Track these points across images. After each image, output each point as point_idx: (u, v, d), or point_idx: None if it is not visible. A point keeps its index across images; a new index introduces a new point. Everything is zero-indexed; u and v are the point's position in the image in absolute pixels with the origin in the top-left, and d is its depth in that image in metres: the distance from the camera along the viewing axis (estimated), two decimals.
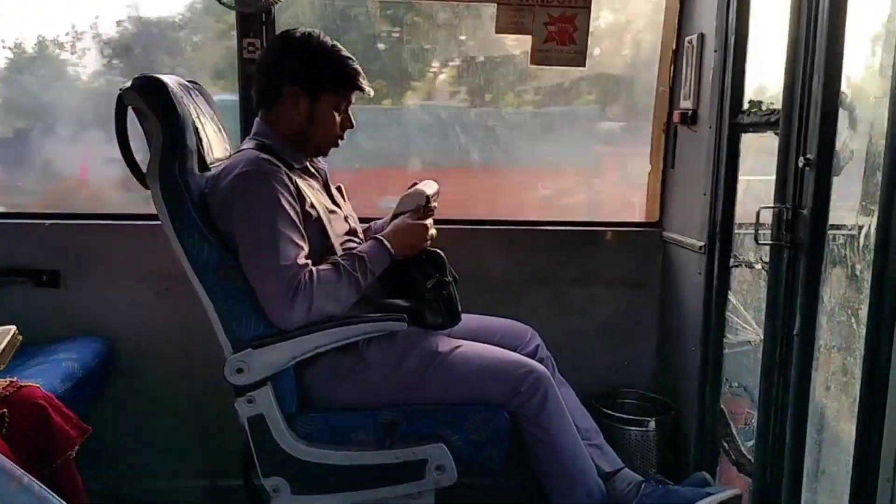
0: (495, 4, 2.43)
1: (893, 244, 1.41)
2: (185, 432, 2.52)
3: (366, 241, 1.99)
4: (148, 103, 1.74)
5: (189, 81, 1.96)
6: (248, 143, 1.90)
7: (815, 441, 1.90)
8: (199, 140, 1.84)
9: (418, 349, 1.87)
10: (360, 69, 1.91)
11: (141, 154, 1.87)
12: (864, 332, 1.52)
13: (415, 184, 2.06)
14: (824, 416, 1.90)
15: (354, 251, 1.86)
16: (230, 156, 1.97)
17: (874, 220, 1.51)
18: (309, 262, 1.75)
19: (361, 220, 2.15)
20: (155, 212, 1.75)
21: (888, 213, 1.42)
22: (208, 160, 1.88)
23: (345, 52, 1.90)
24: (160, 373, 2.52)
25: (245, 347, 1.73)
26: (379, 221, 2.22)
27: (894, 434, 1.41)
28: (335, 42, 1.90)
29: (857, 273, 1.71)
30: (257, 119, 1.94)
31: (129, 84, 1.75)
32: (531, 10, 2.42)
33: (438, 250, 1.98)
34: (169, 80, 1.79)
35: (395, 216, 2.02)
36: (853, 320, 1.72)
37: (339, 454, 1.80)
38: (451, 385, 1.85)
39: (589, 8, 2.44)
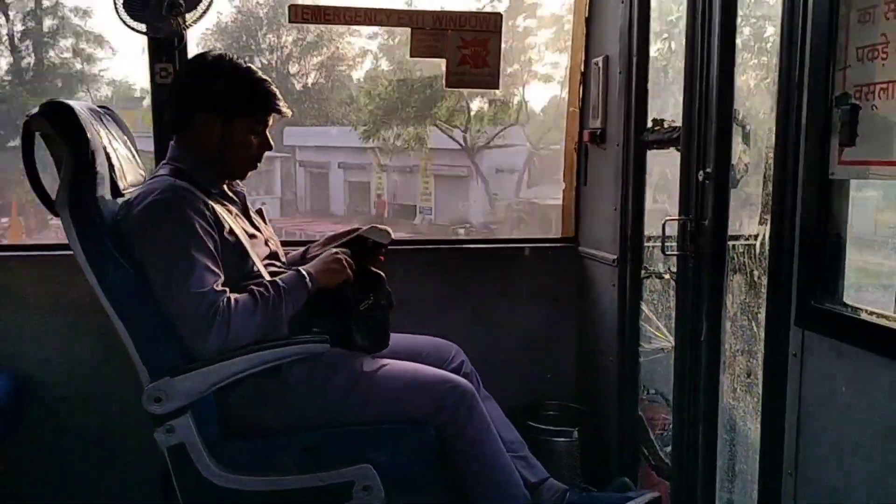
0: (409, 29, 2.48)
1: (786, 250, 1.50)
2: (103, 465, 2.44)
3: (303, 261, 2.01)
4: (56, 129, 1.70)
5: (100, 107, 1.93)
6: (163, 169, 1.87)
7: (727, 441, 2.00)
8: (111, 165, 1.80)
9: (342, 370, 1.87)
10: (275, 91, 1.88)
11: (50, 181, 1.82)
12: (763, 334, 1.61)
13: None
14: (733, 418, 2.00)
15: (276, 280, 1.83)
16: (144, 181, 1.94)
17: (768, 229, 1.61)
18: (226, 289, 1.73)
19: (283, 244, 2.14)
20: (64, 241, 1.71)
21: (779, 221, 1.52)
22: (121, 186, 1.84)
23: (259, 74, 1.87)
24: (76, 406, 2.43)
25: (163, 375, 1.69)
26: (317, 244, 2.21)
27: (793, 429, 1.50)
28: (250, 64, 1.89)
29: (756, 279, 1.82)
30: (172, 143, 1.91)
31: (36, 110, 1.71)
32: (444, 34, 2.48)
33: (380, 272, 2.00)
34: (77, 105, 1.75)
35: (348, 238, 2.05)
36: (753, 324, 1.82)
37: (263, 480, 1.77)
38: (376, 404, 1.85)
39: (500, 32, 2.52)
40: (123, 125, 2.03)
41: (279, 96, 1.90)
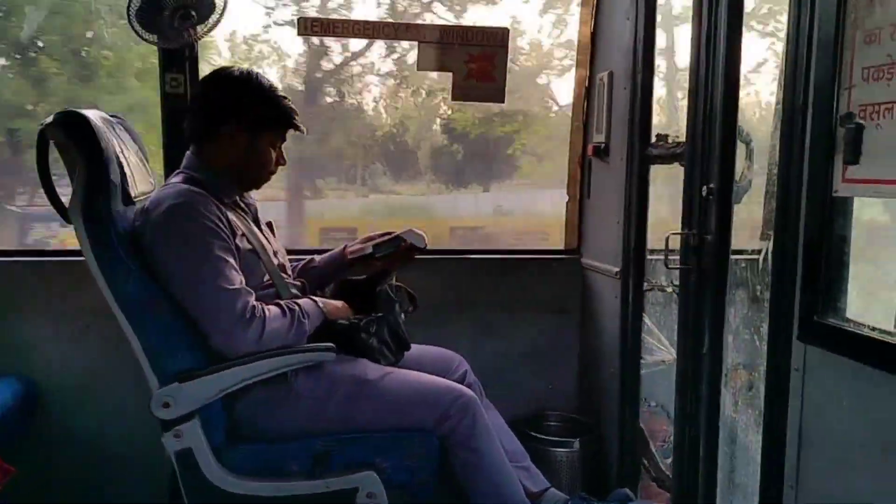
0: (417, 43, 2.51)
1: (788, 265, 1.53)
2: (112, 469, 2.45)
3: (307, 270, 2.10)
4: (71, 138, 1.72)
5: (112, 116, 1.95)
6: (177, 178, 1.90)
7: (727, 453, 2.01)
8: (123, 174, 1.82)
9: (348, 377, 1.89)
10: (295, 109, 1.96)
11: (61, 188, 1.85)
12: (765, 349, 1.63)
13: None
14: (734, 430, 2.01)
15: (297, 302, 1.87)
16: (155, 189, 1.96)
17: (771, 244, 1.64)
18: (252, 291, 1.77)
19: (290, 253, 2.17)
20: (75, 247, 1.73)
21: (782, 237, 1.54)
22: (132, 194, 1.86)
23: (281, 92, 1.95)
24: (85, 410, 2.46)
25: (172, 381, 1.71)
26: (326, 255, 2.26)
27: (795, 442, 1.52)
28: (272, 82, 1.95)
29: (758, 294, 1.84)
30: (188, 153, 1.95)
31: (50, 119, 1.73)
32: (451, 48, 2.51)
33: (401, 285, 2.08)
34: (91, 114, 1.77)
35: (385, 239, 2.13)
36: (755, 338, 1.84)
37: (269, 485, 1.79)
38: (381, 412, 1.87)
39: (507, 47, 2.55)
40: (135, 133, 2.05)
41: (297, 114, 1.96)
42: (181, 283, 1.73)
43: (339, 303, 2.02)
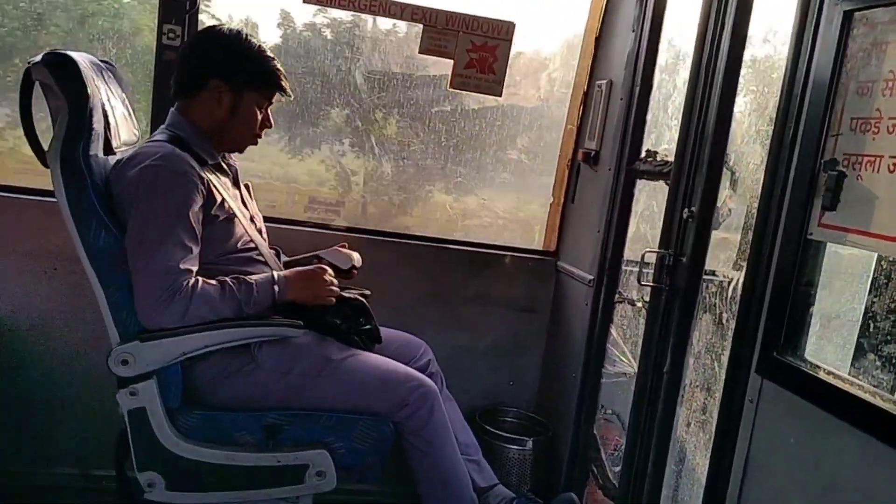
0: (421, 25, 2.49)
1: (756, 299, 1.55)
2: (61, 418, 2.43)
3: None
4: (57, 80, 1.69)
5: (102, 61, 1.91)
6: (161, 135, 1.87)
7: (675, 471, 2.05)
8: (107, 123, 1.79)
9: (311, 354, 1.89)
10: (283, 71, 1.93)
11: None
12: (723, 376, 1.66)
13: (344, 245, 2.20)
14: (684, 450, 2.05)
15: (251, 280, 1.82)
16: (138, 142, 1.94)
17: (743, 276, 1.66)
18: (192, 269, 1.73)
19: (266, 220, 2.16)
20: (49, 188, 1.71)
21: (754, 270, 1.56)
22: (114, 144, 1.84)
23: (270, 53, 1.92)
24: (41, 355, 2.41)
25: (133, 339, 1.71)
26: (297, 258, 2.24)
27: (740, 471, 1.55)
28: (261, 43, 1.92)
29: (724, 321, 1.86)
30: (173, 110, 1.92)
31: (38, 58, 1.70)
32: (455, 35, 2.50)
33: (361, 300, 2.02)
34: (80, 57, 1.74)
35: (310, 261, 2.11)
36: (716, 364, 1.87)
37: (219, 453, 1.79)
38: (340, 393, 1.88)
39: (510, 41, 2.54)
40: (124, 82, 2.02)
41: (286, 77, 1.93)
42: (129, 244, 1.71)
43: (309, 271, 1.95)
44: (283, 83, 1.93)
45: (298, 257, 2.20)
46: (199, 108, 1.89)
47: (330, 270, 1.96)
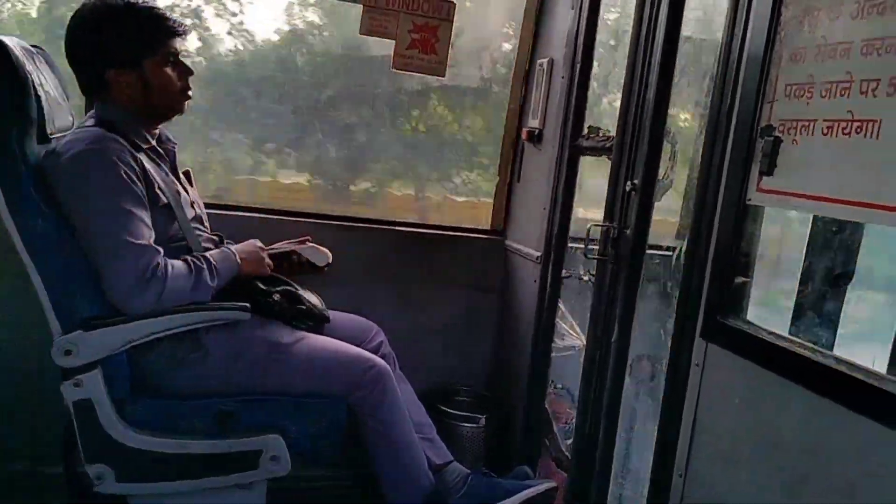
0: (361, 6, 2.46)
1: (699, 266, 1.59)
2: (3, 413, 2.34)
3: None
4: None
5: (33, 46, 1.84)
6: (91, 121, 1.81)
7: (625, 440, 2.10)
8: (41, 109, 1.73)
9: (261, 339, 1.87)
10: (165, 13, 1.80)
11: None
12: (669, 343, 1.70)
13: (308, 239, 2.17)
14: (634, 418, 2.10)
15: (208, 256, 1.81)
16: (72, 127, 1.87)
17: (685, 244, 1.70)
18: (160, 248, 1.70)
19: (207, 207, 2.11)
20: None
21: (696, 238, 1.61)
22: (49, 130, 1.77)
23: (140, 4, 1.78)
24: None
25: (75, 329, 1.66)
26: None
27: (688, 434, 1.60)
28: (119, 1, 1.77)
29: (668, 290, 1.91)
30: (97, 103, 1.85)
31: None
32: (396, 15, 2.48)
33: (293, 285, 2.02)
34: (11, 41, 1.67)
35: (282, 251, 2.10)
36: (661, 332, 1.92)
37: (171, 442, 1.76)
38: (292, 376, 1.86)
39: (451, 21, 2.54)
40: (55, 67, 1.94)
41: (170, 16, 1.82)
42: (85, 234, 1.66)
43: (250, 247, 1.96)
44: (171, 26, 1.79)
45: (273, 251, 2.15)
46: (115, 99, 1.81)
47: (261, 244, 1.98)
